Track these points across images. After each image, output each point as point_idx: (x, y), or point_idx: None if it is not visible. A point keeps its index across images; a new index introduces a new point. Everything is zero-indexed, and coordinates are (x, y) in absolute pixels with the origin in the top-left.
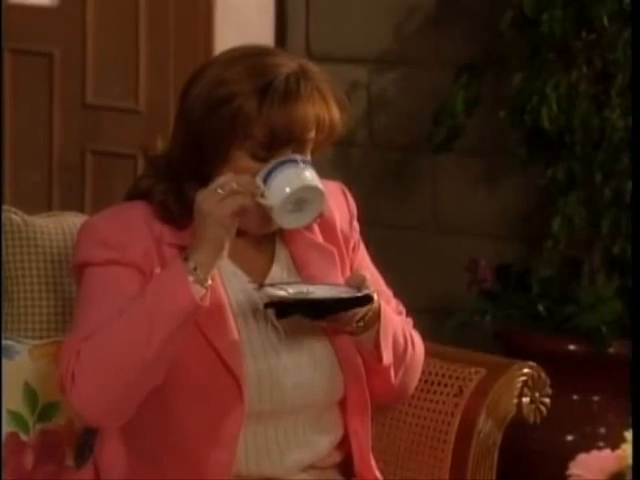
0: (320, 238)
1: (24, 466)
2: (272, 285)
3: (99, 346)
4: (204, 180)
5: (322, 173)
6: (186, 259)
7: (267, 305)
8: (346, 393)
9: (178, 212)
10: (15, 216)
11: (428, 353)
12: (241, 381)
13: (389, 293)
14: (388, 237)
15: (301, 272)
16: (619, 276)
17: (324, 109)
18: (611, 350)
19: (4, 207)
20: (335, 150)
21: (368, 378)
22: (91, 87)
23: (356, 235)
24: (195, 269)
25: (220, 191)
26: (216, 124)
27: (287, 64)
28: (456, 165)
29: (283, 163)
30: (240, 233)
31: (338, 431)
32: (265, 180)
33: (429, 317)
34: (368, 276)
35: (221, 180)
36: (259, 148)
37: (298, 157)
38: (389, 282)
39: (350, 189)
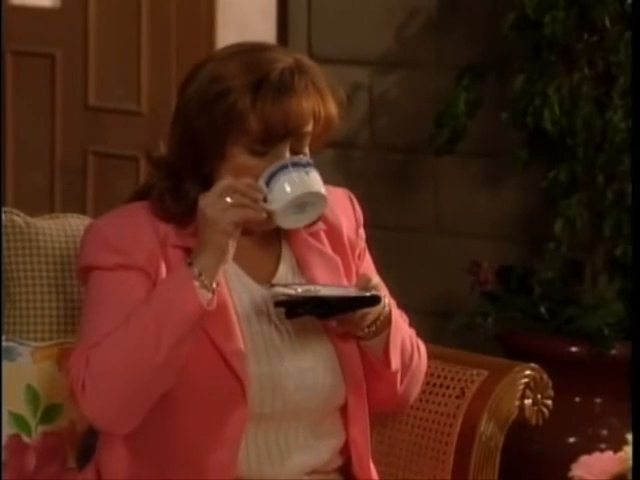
0: (327, 246)
1: (26, 468)
2: (283, 285)
3: (108, 353)
4: (204, 179)
5: (324, 175)
6: (191, 264)
7: (277, 304)
8: (347, 400)
9: (177, 211)
10: (17, 218)
11: (430, 355)
12: (245, 383)
13: (393, 302)
14: (390, 239)
15: (306, 278)
16: (621, 278)
17: (319, 102)
18: (613, 352)
19: (6, 209)
20: (337, 152)
21: (374, 384)
22: (93, 89)
23: (362, 243)
24: (200, 274)
25: (224, 199)
26: (212, 121)
27: (282, 59)
28: (458, 167)
29: (286, 166)
30: (245, 234)
31: (340, 437)
32: (268, 182)
33: (431, 319)
34: (376, 280)
35: (225, 185)
36: (256, 143)
37: (302, 159)
38: (391, 284)
39: (352, 191)
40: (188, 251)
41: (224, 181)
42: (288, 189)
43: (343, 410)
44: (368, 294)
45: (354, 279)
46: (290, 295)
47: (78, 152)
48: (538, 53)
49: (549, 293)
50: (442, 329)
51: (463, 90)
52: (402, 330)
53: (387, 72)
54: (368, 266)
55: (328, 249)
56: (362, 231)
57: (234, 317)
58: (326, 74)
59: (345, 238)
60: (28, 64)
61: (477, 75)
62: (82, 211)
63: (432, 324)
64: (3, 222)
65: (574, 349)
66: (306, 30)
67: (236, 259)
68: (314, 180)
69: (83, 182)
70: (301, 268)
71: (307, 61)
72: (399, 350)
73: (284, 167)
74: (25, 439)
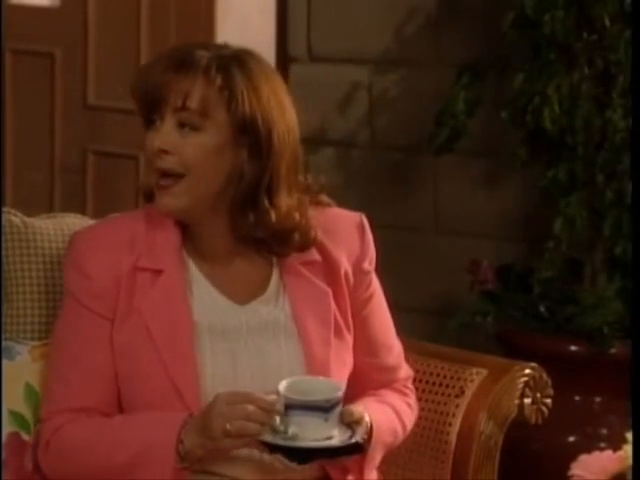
0: (321, 277)
1: (25, 466)
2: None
3: (77, 445)
4: None
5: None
6: (182, 441)
7: (260, 442)
8: None
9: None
10: (14, 217)
11: (429, 354)
12: (192, 406)
13: (399, 346)
14: (389, 238)
15: (292, 306)
16: (620, 277)
17: (225, 91)
18: (613, 351)
19: (4, 208)
20: (336, 151)
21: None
22: (92, 88)
23: (367, 278)
24: (186, 456)
25: (229, 428)
26: None
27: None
28: (457, 166)
29: (310, 408)
30: (239, 252)
31: None
32: (287, 407)
33: (430, 318)
34: (364, 417)
35: (240, 413)
36: (144, 118)
37: (331, 400)
38: (390, 284)
39: (351, 190)
40: (156, 273)
41: (245, 396)
42: (301, 433)
43: None
44: (351, 442)
45: (349, 313)
46: (268, 441)
47: (78, 151)
48: (537, 52)
49: (549, 292)
50: (441, 328)
51: (462, 89)
52: (385, 439)
53: (386, 71)
54: (378, 303)
55: (320, 280)
56: (368, 264)
57: (191, 337)
58: (325, 80)
59: (342, 271)
60: (27, 63)
61: (476, 74)
62: (81, 210)
63: (431, 323)
64: (3, 222)
65: (574, 348)
66: (305, 29)
67: (214, 279)
68: (327, 428)
69: (83, 181)
70: (287, 296)
71: (248, 58)
72: (377, 461)
73: (307, 408)
74: (24, 437)
